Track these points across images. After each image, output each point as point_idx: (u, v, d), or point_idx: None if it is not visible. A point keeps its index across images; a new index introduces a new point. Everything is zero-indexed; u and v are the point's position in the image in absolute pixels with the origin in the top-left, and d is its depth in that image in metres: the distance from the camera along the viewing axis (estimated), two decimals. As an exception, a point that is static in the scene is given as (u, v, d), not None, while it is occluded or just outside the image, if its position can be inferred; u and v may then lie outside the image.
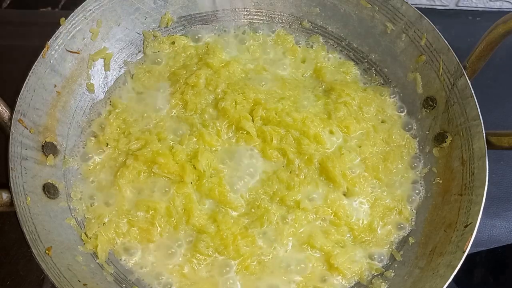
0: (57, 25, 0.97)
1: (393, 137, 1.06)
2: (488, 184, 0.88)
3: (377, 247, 0.98)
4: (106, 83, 1.09)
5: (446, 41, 1.00)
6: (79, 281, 0.84)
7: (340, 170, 0.99)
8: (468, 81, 0.95)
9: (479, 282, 1.09)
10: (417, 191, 1.02)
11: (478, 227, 0.85)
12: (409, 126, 1.08)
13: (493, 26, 0.90)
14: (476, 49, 0.94)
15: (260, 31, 1.18)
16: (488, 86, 1.03)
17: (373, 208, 0.99)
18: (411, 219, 1.00)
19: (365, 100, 1.09)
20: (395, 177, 1.03)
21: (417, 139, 1.06)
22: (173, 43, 1.14)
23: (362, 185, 1.01)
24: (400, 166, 1.04)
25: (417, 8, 1.04)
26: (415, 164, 1.04)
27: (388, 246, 0.98)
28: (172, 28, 1.15)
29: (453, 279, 0.83)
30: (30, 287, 1.00)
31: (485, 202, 0.87)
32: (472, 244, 0.84)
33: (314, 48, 1.16)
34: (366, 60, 1.14)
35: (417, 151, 1.05)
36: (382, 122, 1.09)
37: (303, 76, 1.14)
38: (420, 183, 1.02)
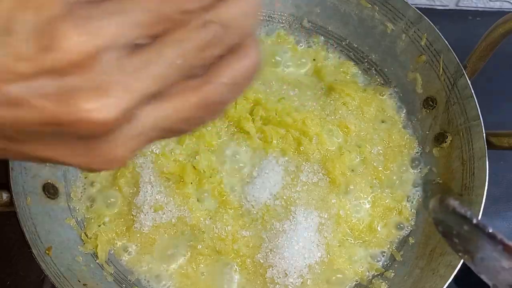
0: None
1: (393, 137, 1.06)
2: (488, 184, 0.87)
3: (377, 247, 0.98)
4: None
5: (446, 41, 0.99)
6: (79, 281, 0.84)
7: (340, 170, 0.99)
8: (468, 81, 0.95)
9: (479, 282, 1.08)
10: (417, 191, 1.02)
11: None
12: (409, 126, 1.08)
13: (493, 26, 0.90)
14: (476, 49, 0.94)
15: (259, 31, 1.17)
16: (488, 86, 1.03)
17: (373, 208, 0.99)
18: (411, 219, 1.00)
19: (365, 100, 1.08)
20: (395, 176, 1.03)
21: (417, 139, 1.06)
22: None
23: (362, 185, 1.01)
24: (400, 166, 1.04)
25: (417, 8, 1.03)
26: (415, 164, 1.04)
27: (388, 246, 0.98)
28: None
29: (453, 279, 0.83)
30: (30, 287, 1.00)
31: (485, 202, 0.87)
32: None
33: (314, 48, 1.16)
34: (366, 60, 1.14)
35: (417, 151, 1.06)
36: (382, 122, 1.09)
37: (303, 76, 1.14)
38: (420, 183, 1.02)
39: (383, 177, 1.02)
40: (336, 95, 1.08)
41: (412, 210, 1.01)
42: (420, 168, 1.03)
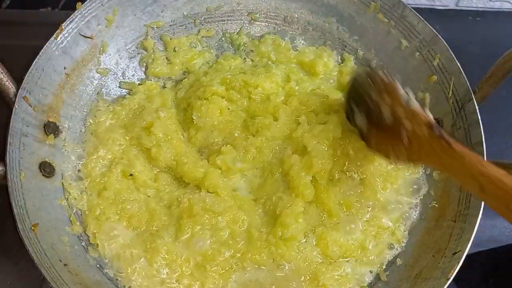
0: (57, 25, 0.98)
1: None
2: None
3: (366, 265, 0.96)
4: (116, 71, 1.10)
5: (459, 64, 0.97)
6: (60, 261, 0.85)
7: (335, 201, 0.97)
8: (476, 107, 0.93)
9: (479, 282, 1.06)
10: (413, 213, 1.00)
11: (478, 227, 0.84)
12: None
13: (505, 54, 0.88)
14: (487, 75, 0.92)
15: (280, 39, 1.18)
16: (495, 113, 1.00)
17: (368, 227, 0.97)
18: (403, 241, 0.97)
19: None
20: (392, 198, 1.01)
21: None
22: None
23: (358, 205, 0.99)
24: (400, 187, 1.02)
25: (417, 8, 1.02)
26: (416, 186, 1.02)
27: (378, 265, 0.96)
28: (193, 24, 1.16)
29: (453, 279, 0.82)
30: (30, 287, 1.01)
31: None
32: (472, 244, 0.83)
33: (326, 53, 1.15)
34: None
35: (420, 174, 1.03)
36: None
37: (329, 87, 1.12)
38: (417, 205, 1.00)
39: (381, 198, 1.00)
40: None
41: (405, 231, 0.98)
42: (419, 191, 1.01)
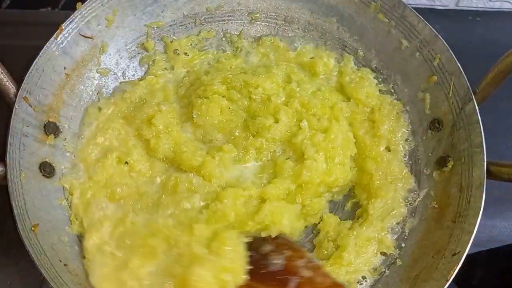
0: (57, 25, 0.98)
1: (392, 168, 1.04)
2: (488, 185, 0.87)
3: (354, 273, 0.96)
4: (116, 71, 1.10)
5: (459, 64, 0.97)
6: (60, 261, 0.85)
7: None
8: (476, 107, 0.93)
9: (479, 282, 1.06)
10: (410, 215, 1.00)
11: (478, 227, 0.84)
12: (411, 158, 1.05)
13: (506, 55, 0.87)
14: (487, 75, 0.91)
15: (279, 40, 1.17)
16: (495, 114, 1.00)
17: (356, 239, 0.97)
18: (395, 246, 0.98)
19: (381, 118, 1.07)
20: (382, 210, 1.01)
21: (415, 175, 1.04)
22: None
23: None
24: (391, 199, 1.01)
25: (417, 8, 1.02)
26: (408, 198, 1.02)
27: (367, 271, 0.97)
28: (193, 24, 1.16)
29: (453, 279, 0.82)
30: (30, 287, 1.02)
31: (485, 202, 0.86)
32: (472, 244, 0.83)
33: (326, 53, 1.15)
34: (381, 72, 1.13)
35: (413, 185, 1.03)
36: (386, 148, 1.06)
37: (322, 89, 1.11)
38: (412, 212, 1.01)
39: (372, 212, 1.00)
40: (360, 105, 1.10)
41: (394, 238, 0.99)
42: (411, 203, 1.01)
